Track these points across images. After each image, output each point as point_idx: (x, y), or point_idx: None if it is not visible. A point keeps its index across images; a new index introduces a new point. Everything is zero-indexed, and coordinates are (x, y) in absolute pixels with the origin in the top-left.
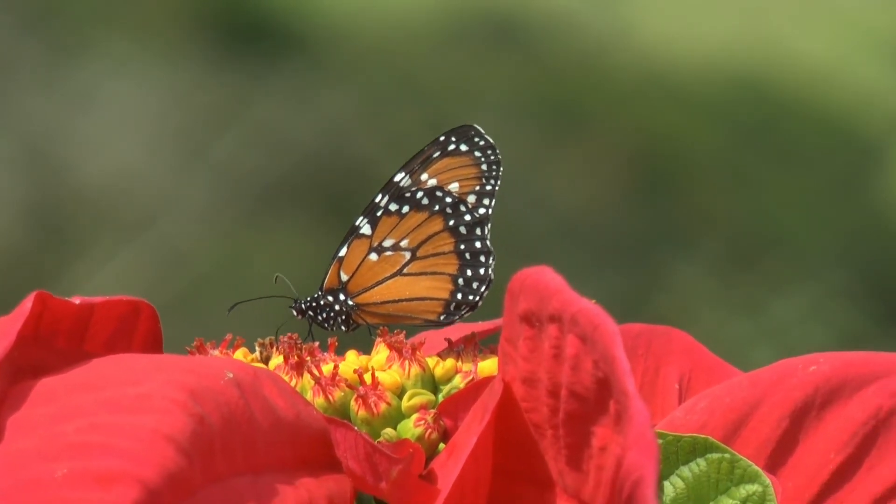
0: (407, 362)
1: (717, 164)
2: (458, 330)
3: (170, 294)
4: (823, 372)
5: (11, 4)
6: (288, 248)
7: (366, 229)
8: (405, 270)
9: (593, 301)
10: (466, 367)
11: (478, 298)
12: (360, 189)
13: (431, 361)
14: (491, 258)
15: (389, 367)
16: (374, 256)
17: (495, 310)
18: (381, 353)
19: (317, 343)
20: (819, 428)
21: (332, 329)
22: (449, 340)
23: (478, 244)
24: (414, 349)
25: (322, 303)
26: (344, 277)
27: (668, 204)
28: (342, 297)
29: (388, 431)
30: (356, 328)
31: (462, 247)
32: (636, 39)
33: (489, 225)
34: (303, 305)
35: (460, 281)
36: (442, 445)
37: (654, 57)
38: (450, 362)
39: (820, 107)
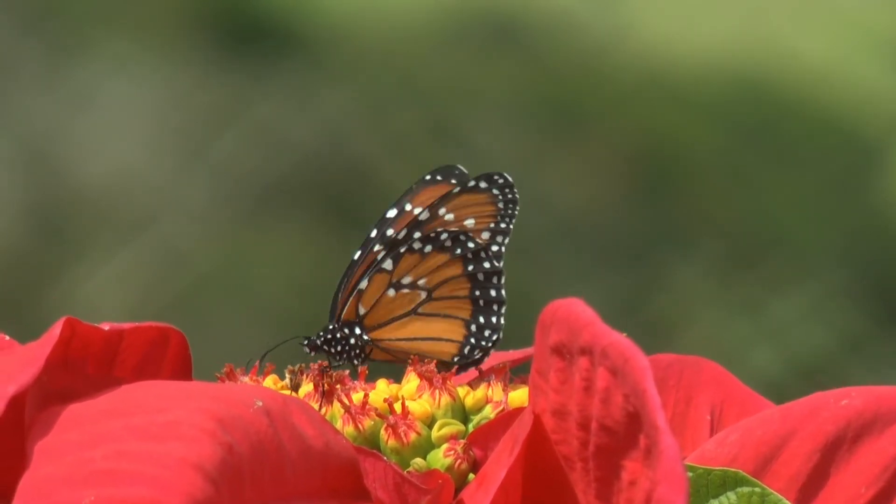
0: (437, 392)
1: (717, 165)
2: (490, 359)
3: (169, 294)
4: (855, 406)
5: (11, 4)
6: (288, 248)
7: (387, 264)
8: (420, 310)
9: (624, 334)
10: (497, 397)
11: (490, 345)
12: (359, 189)
13: (462, 391)
14: (503, 308)
15: (420, 397)
16: (391, 292)
17: (512, 324)
18: (411, 382)
19: (347, 371)
20: (850, 462)
21: (343, 362)
22: (480, 370)
23: (493, 293)
24: (444, 378)
25: (339, 335)
26: (362, 311)
27: (668, 204)
28: (358, 330)
29: (418, 461)
30: (365, 362)
31: (477, 293)
32: (636, 40)
33: (504, 275)
34: (318, 341)
35: (473, 327)
36: (472, 476)
37: (654, 57)
38: (480, 392)
39: (820, 107)
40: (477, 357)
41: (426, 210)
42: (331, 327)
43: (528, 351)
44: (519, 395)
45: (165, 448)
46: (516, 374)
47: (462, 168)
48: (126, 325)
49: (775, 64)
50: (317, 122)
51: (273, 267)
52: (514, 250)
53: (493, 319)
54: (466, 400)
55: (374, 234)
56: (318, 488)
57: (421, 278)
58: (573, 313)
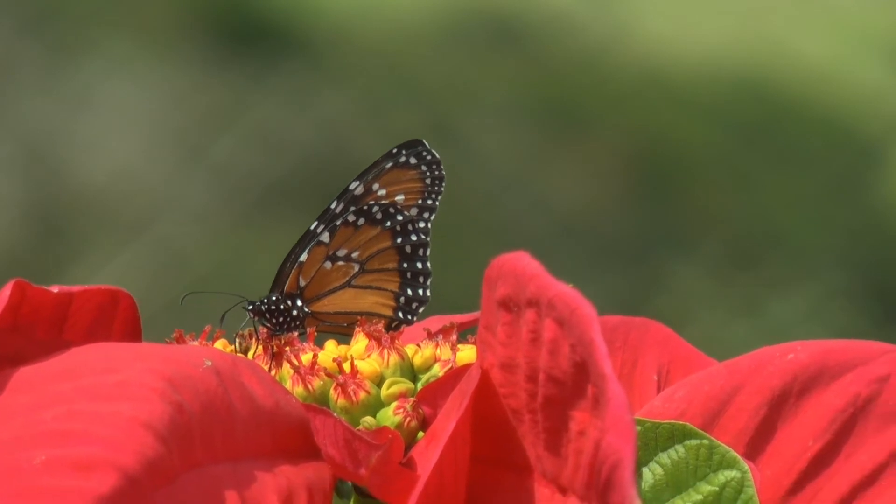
0: (386, 351)
1: (717, 165)
2: (438, 321)
3: (169, 295)
4: (801, 360)
5: (11, 6)
6: (287, 248)
7: (325, 237)
8: (353, 282)
9: (570, 285)
10: (445, 355)
11: (413, 318)
12: None
13: (410, 350)
14: (429, 279)
15: (368, 356)
16: (328, 265)
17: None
18: (359, 342)
19: (296, 334)
20: (797, 415)
21: (284, 332)
22: (428, 330)
23: (419, 265)
24: (393, 338)
25: (282, 307)
26: (302, 283)
27: (668, 204)
28: (300, 302)
29: (368, 420)
30: (303, 334)
31: (405, 265)
32: (636, 40)
33: (429, 248)
34: (262, 307)
35: (401, 299)
36: (421, 433)
37: (654, 57)
38: (428, 351)
39: (820, 107)
40: (400, 330)
41: (360, 185)
42: (275, 298)
43: (476, 314)
44: (467, 355)
45: (115, 408)
46: (464, 336)
47: (425, 143)
48: (75, 288)
49: (775, 64)
50: (316, 122)
51: (272, 267)
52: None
53: (420, 291)
54: (415, 359)
55: (337, 207)
56: (268, 447)
57: (354, 251)
58: (519, 266)
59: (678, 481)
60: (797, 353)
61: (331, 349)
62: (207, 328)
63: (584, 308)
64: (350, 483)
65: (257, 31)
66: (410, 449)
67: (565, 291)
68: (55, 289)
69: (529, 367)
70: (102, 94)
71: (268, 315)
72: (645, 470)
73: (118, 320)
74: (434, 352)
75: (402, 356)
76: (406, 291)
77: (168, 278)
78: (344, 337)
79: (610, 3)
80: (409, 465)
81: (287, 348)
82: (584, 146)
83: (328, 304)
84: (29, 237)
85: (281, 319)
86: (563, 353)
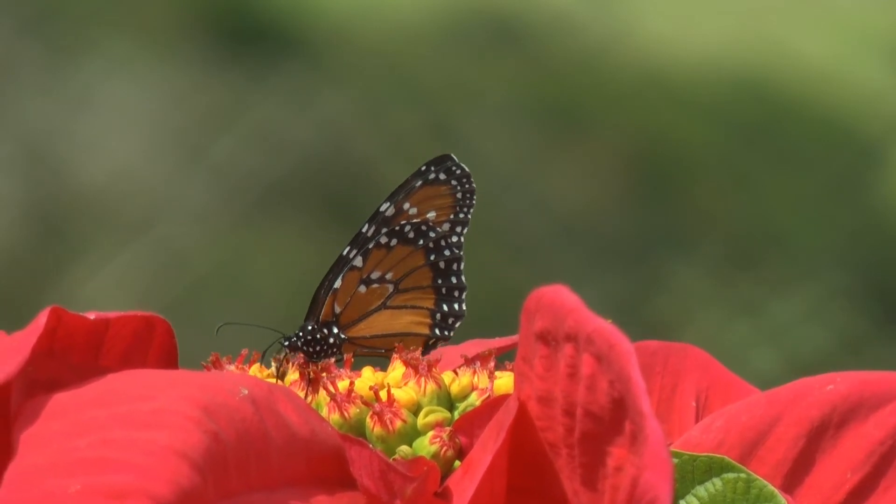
0: (423, 379)
1: (717, 165)
2: (475, 346)
3: (169, 296)
4: (840, 391)
5: (11, 6)
6: (287, 249)
7: (357, 262)
8: (388, 303)
9: (609, 321)
10: (483, 384)
11: (450, 333)
12: (359, 190)
13: (447, 378)
14: (464, 293)
15: (405, 384)
16: (363, 288)
17: (511, 324)
18: (396, 369)
19: (332, 360)
20: (836, 447)
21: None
22: (465, 357)
23: (454, 279)
24: (430, 366)
25: (318, 336)
26: (337, 310)
27: (668, 205)
28: (336, 329)
29: (404, 449)
30: (341, 361)
31: (439, 282)
32: (636, 40)
33: (463, 262)
34: (298, 342)
35: (437, 316)
36: (457, 463)
37: (654, 58)
38: (466, 379)
39: (820, 107)
40: (440, 345)
41: (391, 205)
42: (310, 328)
43: (514, 338)
44: (504, 382)
45: (151, 436)
46: (502, 361)
47: (454, 157)
48: (112, 314)
49: (775, 64)
50: (316, 122)
51: (273, 268)
52: (513, 251)
53: (456, 306)
54: (452, 387)
55: (369, 230)
56: (303, 476)
57: (388, 272)
58: (558, 300)
59: None
60: (836, 385)
61: (368, 376)
62: (244, 352)
63: (623, 344)
64: None
65: (257, 32)
66: (446, 479)
67: (604, 326)
68: (91, 315)
69: (567, 401)
70: (102, 94)
71: (304, 346)
72: (681, 502)
73: (154, 346)
74: (471, 380)
75: (439, 384)
76: (442, 307)
77: (168, 278)
78: (382, 360)
79: (610, 3)
80: (445, 495)
81: (324, 375)
82: (584, 146)
83: (365, 329)
84: (29, 237)
85: (318, 348)
86: (601, 389)
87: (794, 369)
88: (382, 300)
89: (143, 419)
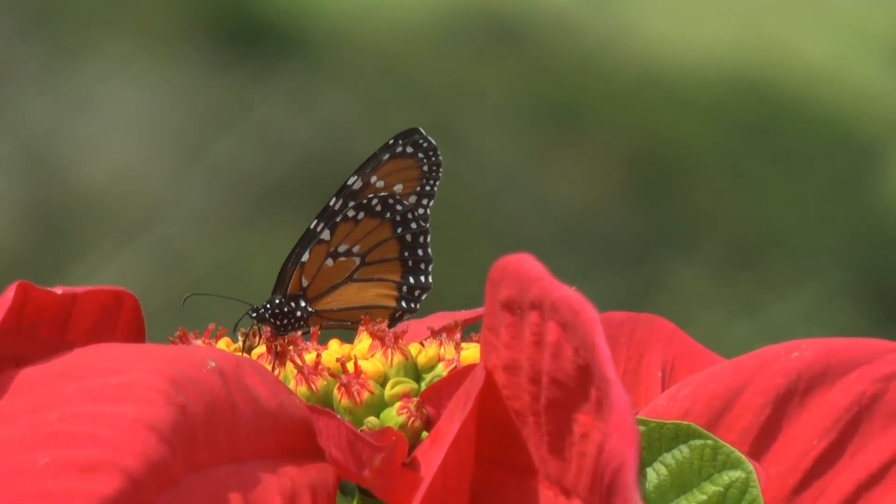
0: (389, 351)
1: (717, 166)
2: (441, 318)
3: (169, 296)
4: (806, 358)
5: (11, 6)
6: (287, 249)
7: (325, 235)
8: (355, 276)
9: (574, 288)
10: (449, 355)
11: (417, 306)
12: None
13: (414, 350)
14: (430, 266)
15: (372, 356)
16: (330, 262)
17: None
18: (363, 341)
19: (299, 333)
20: (802, 414)
21: (286, 334)
22: (431, 329)
23: (420, 252)
24: (396, 337)
25: (286, 309)
26: (304, 283)
27: (668, 205)
28: (303, 303)
29: (371, 420)
30: (307, 333)
31: (406, 254)
32: (636, 40)
33: (430, 235)
34: (266, 313)
35: (404, 288)
36: (425, 434)
37: (654, 58)
38: (432, 350)
39: (819, 108)
40: (406, 318)
41: (358, 179)
42: (277, 301)
43: (479, 311)
44: (471, 353)
45: (119, 409)
46: (468, 333)
47: (422, 130)
48: (79, 289)
49: (775, 64)
50: (317, 123)
51: (273, 268)
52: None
53: (422, 279)
54: (419, 358)
55: (336, 204)
56: (272, 448)
57: (355, 245)
58: (523, 268)
59: (682, 482)
60: (802, 352)
61: (334, 348)
62: (211, 327)
63: (588, 311)
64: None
65: (257, 32)
66: (414, 449)
67: (569, 294)
68: (59, 290)
69: (532, 369)
70: (103, 94)
71: (272, 319)
72: (649, 470)
73: (122, 321)
74: (438, 351)
75: (406, 356)
76: (408, 280)
77: (168, 278)
78: (349, 333)
79: (610, 3)
80: (413, 465)
81: (290, 348)
82: (583, 146)
83: (332, 301)
84: (29, 237)
85: (285, 321)
86: (566, 357)
87: None
88: (350, 273)
89: (111, 393)
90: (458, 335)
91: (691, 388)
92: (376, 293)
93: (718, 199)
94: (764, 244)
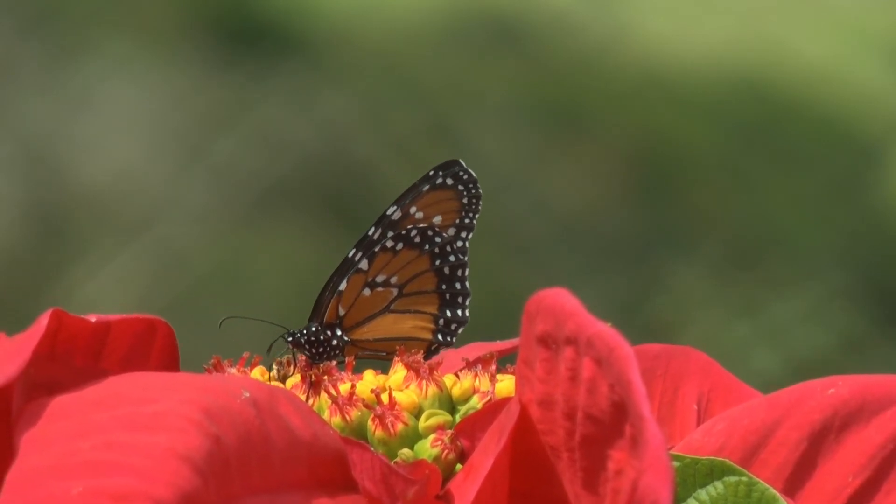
0: (424, 382)
1: (717, 166)
2: (476, 349)
3: (169, 296)
4: (842, 395)
5: (10, 6)
6: (288, 250)
7: (363, 265)
8: (392, 307)
9: (610, 324)
10: (484, 387)
11: (453, 339)
12: (360, 191)
13: (449, 381)
14: (468, 300)
15: (407, 387)
16: (367, 292)
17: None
18: (398, 372)
19: (334, 363)
20: (837, 451)
21: (321, 362)
22: (466, 360)
23: (458, 286)
24: (431, 369)
25: (322, 338)
26: (341, 312)
27: (668, 205)
28: (339, 332)
29: (405, 452)
30: (343, 362)
31: (444, 287)
32: (636, 40)
33: (468, 268)
34: (301, 339)
35: (441, 321)
36: (459, 466)
37: (654, 58)
38: (467, 382)
39: (820, 108)
40: (441, 350)
41: (398, 209)
42: (314, 329)
43: (515, 342)
44: (506, 386)
45: (153, 439)
46: (503, 364)
47: (462, 162)
48: (113, 317)
49: (775, 64)
50: (317, 123)
51: (273, 268)
52: (512, 252)
53: (459, 312)
54: (454, 390)
55: (372, 232)
56: (305, 479)
57: (393, 276)
58: (558, 303)
59: None
60: (838, 388)
61: (369, 379)
62: (245, 355)
63: (623, 348)
64: None
65: (257, 32)
66: (448, 482)
67: (604, 331)
68: (93, 317)
69: (567, 404)
70: (102, 94)
71: (307, 346)
72: None
73: (156, 349)
74: (473, 383)
75: (441, 387)
76: (445, 313)
77: (168, 279)
78: (385, 363)
79: (610, 3)
80: (447, 498)
81: (325, 377)
82: (584, 146)
83: (368, 332)
84: (29, 237)
85: (321, 350)
86: (601, 393)
87: (793, 370)
88: (387, 304)
89: (144, 422)
90: (493, 367)
91: (726, 423)
92: (413, 325)
93: (718, 199)
94: (764, 244)
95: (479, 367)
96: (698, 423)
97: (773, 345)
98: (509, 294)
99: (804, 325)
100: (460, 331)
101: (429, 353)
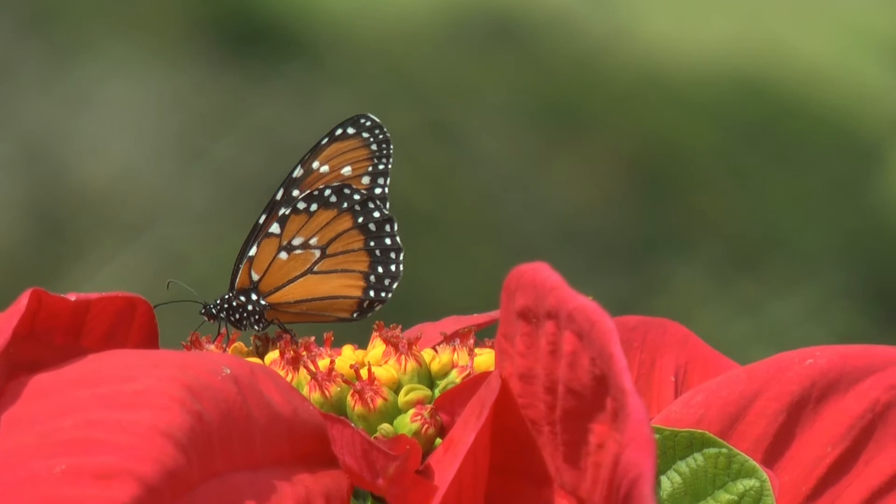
0: (403, 357)
1: (717, 165)
2: (453, 323)
3: (169, 296)
4: (820, 365)
5: (10, 6)
6: None
7: (274, 228)
8: (315, 269)
9: (590, 298)
10: (462, 361)
11: (388, 295)
12: None
13: (427, 356)
14: (401, 255)
15: (386, 362)
16: (283, 255)
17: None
18: (377, 347)
19: (312, 338)
20: (816, 421)
21: (245, 329)
22: (444, 334)
23: (388, 241)
24: (410, 344)
25: (235, 304)
26: (255, 277)
27: (667, 205)
28: (254, 296)
29: (385, 427)
30: (267, 326)
31: (372, 244)
32: (635, 40)
33: (396, 223)
34: (213, 309)
35: (372, 278)
36: (439, 441)
37: (654, 58)
38: (446, 357)
39: (819, 107)
40: (377, 308)
41: (299, 167)
42: (226, 296)
43: (493, 314)
44: (485, 360)
45: (135, 416)
46: (481, 338)
47: (373, 117)
48: (92, 296)
49: (775, 64)
50: (317, 123)
51: None
52: (512, 251)
53: (392, 267)
54: (432, 365)
55: (279, 195)
56: (286, 455)
57: (312, 237)
58: (539, 277)
59: (696, 490)
60: (816, 359)
61: (348, 354)
62: (223, 331)
63: (604, 321)
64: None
65: (258, 33)
66: (427, 456)
67: (585, 304)
68: (72, 296)
69: (548, 378)
70: (103, 94)
71: (223, 315)
72: (663, 478)
73: (135, 327)
74: (451, 357)
75: (420, 362)
76: (377, 269)
77: (168, 279)
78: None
79: (610, 3)
80: (427, 472)
81: (304, 353)
82: (584, 146)
83: (288, 294)
84: (30, 237)
85: (237, 316)
86: (582, 366)
87: None
88: (308, 266)
89: (126, 399)
90: (471, 341)
91: (705, 395)
92: (338, 283)
93: (718, 199)
94: (764, 244)
95: (458, 341)
96: (676, 394)
97: (772, 344)
98: None
99: (804, 325)
100: (394, 286)
101: (361, 311)
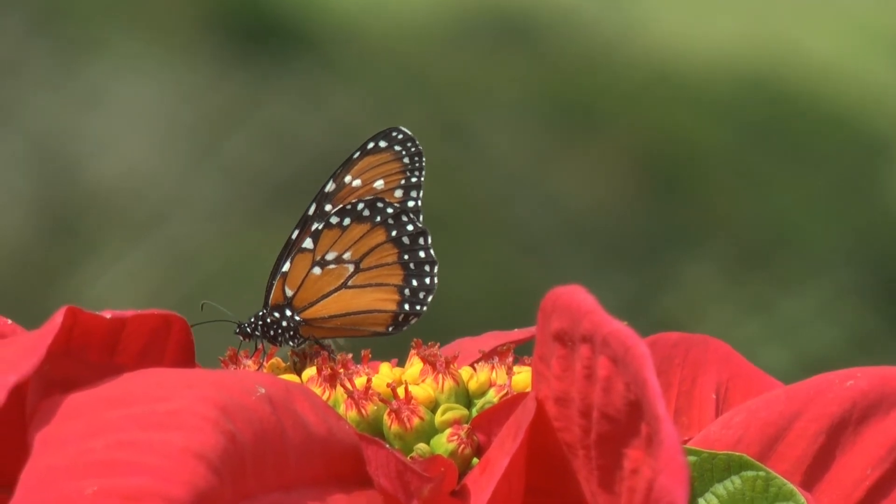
0: (440, 376)
1: (727, 163)
2: (493, 338)
3: (179, 293)
4: (861, 387)
5: (21, 3)
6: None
7: (307, 243)
8: (349, 283)
9: (625, 323)
10: (501, 380)
11: (424, 308)
12: None
13: (465, 374)
14: (435, 267)
15: (423, 381)
16: (317, 270)
17: (520, 322)
18: (414, 366)
19: (350, 355)
20: (856, 443)
21: (281, 345)
22: (483, 352)
23: (422, 254)
24: (448, 362)
25: (269, 320)
26: (289, 293)
27: (678, 203)
28: (289, 312)
29: (421, 446)
30: (303, 343)
31: (406, 257)
32: (646, 38)
33: (430, 236)
34: (248, 328)
35: (406, 292)
36: (475, 461)
37: (664, 56)
38: (484, 376)
39: (829, 105)
40: (412, 322)
41: (331, 182)
42: (260, 313)
43: (531, 330)
44: (522, 378)
45: (167, 437)
46: (521, 354)
47: (405, 130)
48: (128, 313)
49: (785, 62)
50: (327, 121)
51: None
52: (523, 250)
53: (427, 280)
54: (470, 384)
55: (312, 210)
56: (320, 475)
57: (346, 252)
58: (574, 301)
59: None
60: (856, 380)
61: (385, 372)
62: (261, 347)
63: (639, 347)
64: None
65: (268, 30)
66: (464, 476)
67: (619, 329)
68: (108, 314)
69: (583, 402)
70: (113, 92)
71: (258, 332)
72: (700, 501)
73: (171, 344)
74: (489, 376)
75: (457, 381)
76: (411, 283)
77: (178, 276)
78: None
79: (620, 1)
80: (462, 493)
81: (341, 371)
82: (594, 145)
83: (323, 310)
84: (40, 235)
85: (272, 333)
86: (617, 392)
87: (804, 367)
88: (342, 280)
89: (159, 420)
90: (510, 358)
91: (744, 416)
92: (373, 298)
93: (729, 197)
94: (774, 242)
95: (496, 359)
96: (717, 412)
97: (783, 342)
98: (520, 291)
99: (814, 322)
100: (429, 299)
101: (396, 324)
